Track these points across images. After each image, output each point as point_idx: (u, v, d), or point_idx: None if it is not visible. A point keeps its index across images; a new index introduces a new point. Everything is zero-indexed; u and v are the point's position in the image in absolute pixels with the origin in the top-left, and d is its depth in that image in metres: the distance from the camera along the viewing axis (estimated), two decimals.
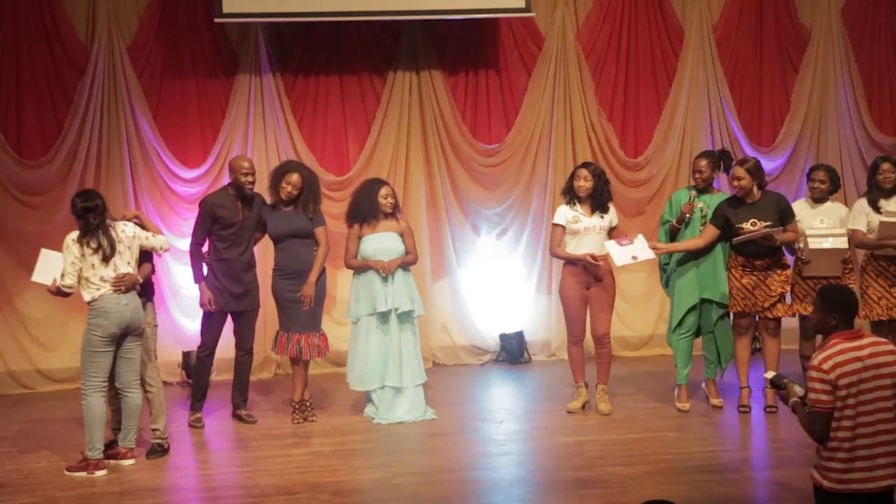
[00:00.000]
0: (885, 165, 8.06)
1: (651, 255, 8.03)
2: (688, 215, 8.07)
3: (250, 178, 8.10)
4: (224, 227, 8.03)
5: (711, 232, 7.97)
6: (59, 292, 7.02)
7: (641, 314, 10.71)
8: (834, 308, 4.68)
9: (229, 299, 8.08)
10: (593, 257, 7.93)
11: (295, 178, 8.13)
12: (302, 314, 8.07)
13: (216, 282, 8.07)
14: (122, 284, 6.93)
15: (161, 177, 10.05)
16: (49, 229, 9.41)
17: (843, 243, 7.98)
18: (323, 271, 8.20)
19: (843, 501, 4.56)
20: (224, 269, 8.03)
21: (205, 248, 8.21)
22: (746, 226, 7.79)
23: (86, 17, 9.95)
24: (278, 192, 8.14)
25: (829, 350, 4.57)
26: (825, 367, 4.50)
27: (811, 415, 4.57)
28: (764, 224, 7.75)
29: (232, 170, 8.16)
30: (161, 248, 7.38)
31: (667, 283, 8.39)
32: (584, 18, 10.78)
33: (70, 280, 6.90)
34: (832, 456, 4.55)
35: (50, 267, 7.05)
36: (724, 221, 7.91)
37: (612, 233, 8.13)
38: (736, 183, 7.93)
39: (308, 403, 8.30)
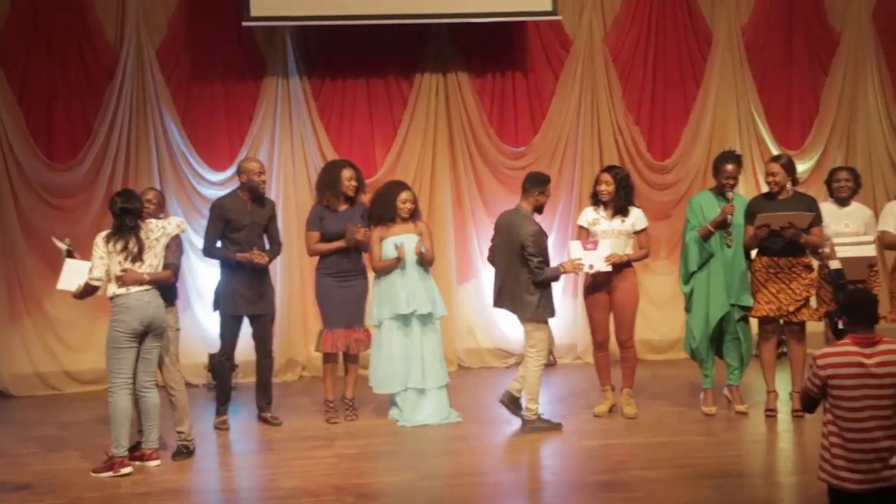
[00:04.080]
0: None
1: (607, 268, 7.83)
2: (729, 217, 7.86)
3: (263, 178, 8.16)
4: (234, 230, 8.03)
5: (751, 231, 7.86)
6: (86, 289, 7.04)
7: (667, 317, 10.62)
8: (843, 311, 4.86)
9: (242, 303, 8.07)
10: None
11: (350, 171, 8.25)
12: (347, 310, 8.13)
13: (228, 285, 8.08)
14: (124, 280, 6.94)
15: (189, 180, 10.11)
16: (77, 232, 9.39)
17: (870, 251, 7.86)
18: (364, 270, 8.30)
19: (832, 494, 4.76)
20: (236, 273, 8.02)
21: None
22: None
23: (115, 21, 10.02)
24: (337, 192, 8.19)
25: (834, 348, 4.73)
26: (820, 362, 4.68)
27: (803, 389, 4.87)
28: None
29: (243, 171, 8.15)
30: (179, 228, 7.30)
31: (691, 292, 8.12)
32: (611, 21, 10.75)
33: (98, 273, 6.94)
34: (824, 444, 4.74)
35: (74, 275, 7.11)
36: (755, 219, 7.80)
37: (637, 237, 8.10)
38: (771, 178, 7.85)
39: (351, 402, 8.39)
